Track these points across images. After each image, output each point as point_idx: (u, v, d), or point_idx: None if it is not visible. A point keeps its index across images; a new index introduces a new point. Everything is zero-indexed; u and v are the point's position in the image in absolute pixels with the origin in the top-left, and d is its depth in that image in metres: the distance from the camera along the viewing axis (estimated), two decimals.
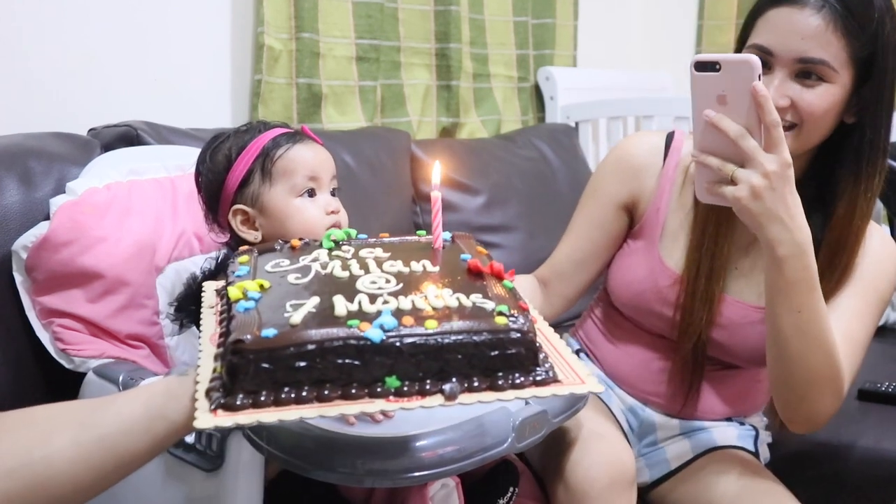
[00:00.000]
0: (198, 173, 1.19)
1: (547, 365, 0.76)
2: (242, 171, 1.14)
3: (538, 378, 0.75)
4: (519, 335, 0.74)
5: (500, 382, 0.74)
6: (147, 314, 1.27)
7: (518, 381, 0.74)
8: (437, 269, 0.87)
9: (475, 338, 0.73)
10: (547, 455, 1.23)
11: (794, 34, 1.12)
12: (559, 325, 1.60)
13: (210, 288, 0.98)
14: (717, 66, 1.01)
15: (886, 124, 1.18)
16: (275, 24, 1.89)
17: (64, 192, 1.29)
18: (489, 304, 0.77)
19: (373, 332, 0.71)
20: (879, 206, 2.17)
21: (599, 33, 3.02)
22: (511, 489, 1.11)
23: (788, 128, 1.15)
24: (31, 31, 1.54)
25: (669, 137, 1.37)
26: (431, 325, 0.73)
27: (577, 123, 2.68)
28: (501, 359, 0.74)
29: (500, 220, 2.14)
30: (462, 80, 2.37)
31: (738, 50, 1.21)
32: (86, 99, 1.63)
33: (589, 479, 1.14)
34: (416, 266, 0.87)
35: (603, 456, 1.17)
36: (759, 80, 0.99)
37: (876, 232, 1.26)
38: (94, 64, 1.64)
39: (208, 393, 0.71)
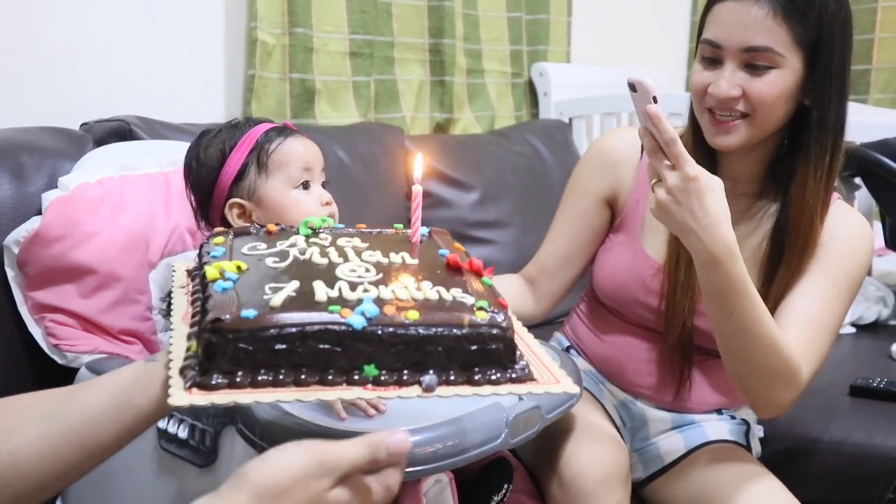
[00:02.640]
0: (188, 171, 1.18)
1: (523, 363, 0.76)
2: (237, 165, 1.14)
3: (514, 375, 0.75)
4: (499, 331, 0.74)
5: (476, 377, 0.74)
6: (140, 309, 1.27)
7: (495, 378, 0.74)
8: (416, 261, 0.86)
9: (456, 331, 0.73)
10: (540, 451, 1.23)
11: (738, 25, 1.16)
12: (548, 324, 1.60)
13: (181, 268, 0.96)
14: (635, 88, 1.04)
15: (837, 104, 1.20)
16: (268, 18, 1.89)
17: (56, 187, 1.28)
18: (469, 299, 0.77)
19: (355, 319, 0.71)
20: (872, 203, 2.18)
21: (593, 29, 3.02)
22: (505, 485, 1.12)
23: (741, 117, 1.19)
24: (23, 25, 1.54)
25: None
26: (413, 316, 0.72)
27: (570, 119, 2.68)
28: (480, 354, 0.74)
29: (494, 215, 2.14)
30: (456, 76, 2.37)
31: (696, 46, 1.25)
32: (78, 93, 1.63)
33: (582, 474, 1.14)
34: (395, 257, 0.86)
35: (596, 452, 1.17)
36: (656, 101, 1.01)
37: (848, 217, 1.27)
38: (86, 58, 1.63)
39: (183, 371, 0.70)
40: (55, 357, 1.21)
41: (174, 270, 0.97)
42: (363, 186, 1.87)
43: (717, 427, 1.38)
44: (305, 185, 1.16)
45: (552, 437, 1.20)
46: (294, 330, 0.70)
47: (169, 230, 1.31)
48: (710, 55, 1.21)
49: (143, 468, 1.08)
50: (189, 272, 0.93)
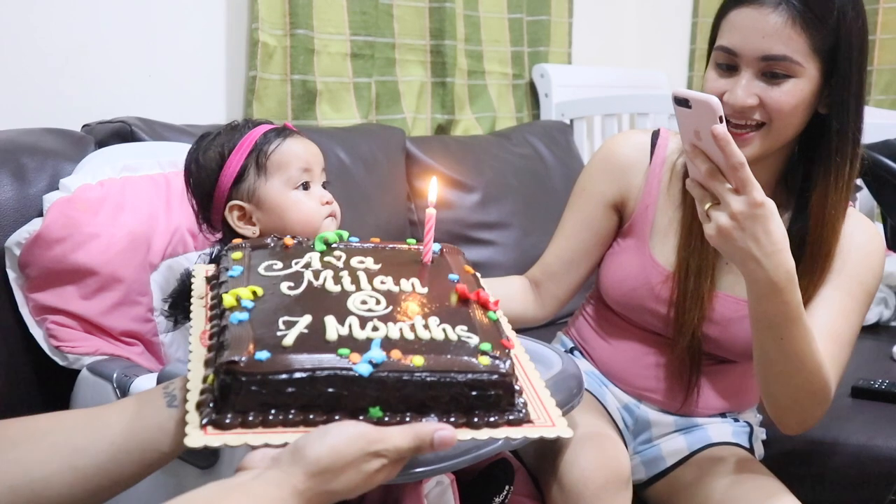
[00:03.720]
0: (188, 174, 1.18)
1: (521, 402, 0.80)
2: (236, 168, 1.14)
3: (511, 418, 0.78)
4: (498, 377, 0.77)
5: (476, 420, 0.77)
6: (141, 311, 1.27)
7: (493, 420, 0.78)
8: (425, 290, 0.88)
9: (459, 377, 0.76)
10: (542, 453, 1.23)
11: (756, 33, 1.14)
12: (552, 324, 1.60)
13: (200, 275, 0.97)
14: (689, 103, 1.01)
15: (855, 113, 1.19)
16: (269, 20, 1.89)
17: (57, 189, 1.28)
18: (473, 340, 0.80)
19: (362, 367, 0.74)
20: (873, 204, 2.18)
21: (594, 30, 3.02)
22: (506, 487, 1.11)
23: (758, 126, 1.17)
24: (25, 26, 1.54)
25: (655, 135, 1.38)
26: (418, 362, 0.76)
27: (571, 120, 2.68)
28: (480, 398, 0.77)
29: (495, 217, 2.13)
30: (457, 77, 2.37)
31: (710, 50, 1.22)
32: (79, 95, 1.63)
33: (584, 478, 1.14)
34: (406, 284, 0.89)
35: (598, 455, 1.16)
36: (721, 121, 0.98)
37: (861, 225, 1.26)
38: (87, 60, 1.64)
39: (199, 406, 0.74)
40: (56, 358, 1.21)
41: (194, 277, 0.98)
42: (364, 187, 1.87)
43: (721, 429, 1.38)
44: (305, 186, 1.16)
45: (554, 439, 1.20)
46: (304, 375, 0.73)
47: (170, 231, 1.31)
48: (725, 62, 1.19)
49: None
50: (208, 279, 0.94)
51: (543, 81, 2.70)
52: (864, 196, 2.20)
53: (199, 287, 0.95)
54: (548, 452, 1.20)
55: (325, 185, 1.20)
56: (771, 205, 1.01)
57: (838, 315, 1.19)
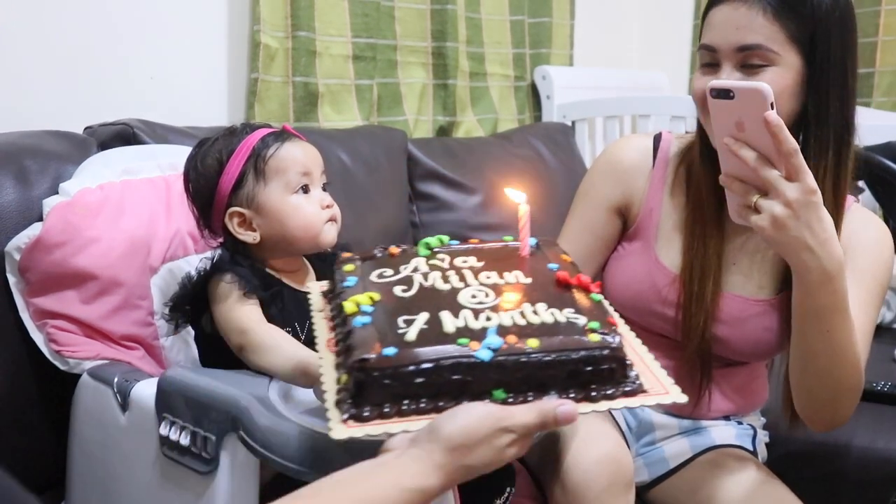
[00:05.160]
0: (187, 181, 1.18)
1: (634, 374, 0.85)
2: (235, 174, 1.14)
3: (627, 389, 0.83)
4: (610, 352, 0.82)
5: (593, 394, 0.82)
6: (142, 315, 1.26)
7: (609, 393, 0.82)
8: (529, 280, 0.94)
9: (573, 355, 0.81)
10: (544, 455, 1.23)
11: (730, 26, 1.16)
12: None
13: (315, 291, 1.05)
14: (731, 94, 1.00)
15: (838, 103, 1.18)
16: (271, 22, 1.89)
17: (57, 193, 1.28)
18: (581, 320, 0.86)
19: (483, 353, 0.80)
20: (875, 205, 2.18)
21: (596, 32, 3.02)
22: (508, 489, 1.11)
23: None
24: (27, 28, 1.54)
25: (657, 139, 1.38)
26: (533, 344, 0.81)
27: (573, 122, 2.68)
28: (595, 373, 0.82)
29: (497, 219, 2.13)
30: (459, 79, 2.37)
31: (697, 50, 1.24)
32: (81, 97, 1.63)
33: (586, 480, 1.13)
34: (510, 277, 0.95)
35: (601, 456, 1.16)
36: (772, 107, 0.98)
37: (869, 220, 1.27)
38: (89, 62, 1.63)
39: (338, 404, 0.80)
40: (57, 363, 1.21)
41: (310, 294, 1.05)
42: (366, 189, 1.87)
43: (724, 432, 1.38)
44: (305, 189, 1.16)
45: (556, 440, 1.20)
46: (430, 365, 0.79)
47: (170, 235, 1.31)
48: (708, 60, 1.21)
49: (145, 475, 1.08)
50: (324, 294, 1.02)
51: (545, 83, 2.70)
52: (865, 198, 2.20)
53: (316, 302, 1.02)
54: (550, 452, 1.20)
55: (325, 187, 1.19)
56: (819, 192, 1.01)
57: (858, 311, 1.18)
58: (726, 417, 1.40)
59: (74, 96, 1.62)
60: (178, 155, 1.37)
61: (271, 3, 1.88)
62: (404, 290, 0.92)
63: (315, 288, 1.06)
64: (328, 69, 2.02)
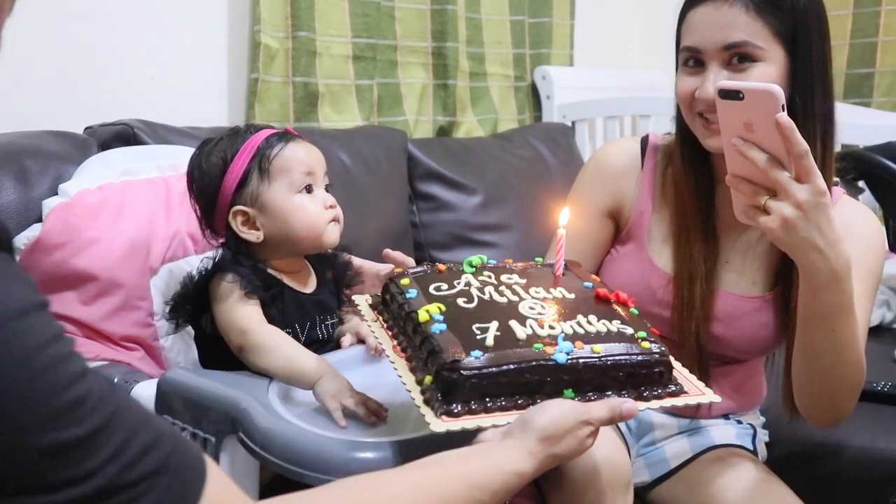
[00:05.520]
0: (190, 180, 1.18)
1: (675, 378, 0.95)
2: (239, 173, 1.14)
3: (672, 389, 0.94)
4: (660, 357, 0.93)
5: (645, 394, 0.93)
6: (141, 315, 1.26)
7: (657, 393, 0.93)
8: (572, 296, 1.03)
9: (632, 359, 0.92)
10: None
11: (714, 26, 1.18)
12: None
13: (363, 302, 1.11)
14: (741, 95, 1.00)
15: (821, 94, 1.20)
16: (271, 22, 1.89)
17: (57, 194, 1.28)
18: (628, 329, 0.96)
19: (559, 356, 0.89)
20: (875, 206, 2.18)
21: (596, 32, 3.02)
22: None
23: None
24: (27, 28, 1.54)
25: (644, 141, 1.39)
26: (598, 350, 0.91)
27: (573, 123, 2.68)
28: (648, 376, 0.93)
29: (496, 219, 2.13)
30: (459, 79, 2.37)
31: (677, 52, 1.25)
32: (82, 97, 1.63)
33: (585, 482, 1.13)
34: (556, 293, 1.04)
35: (599, 458, 1.16)
36: (784, 109, 0.97)
37: (859, 212, 1.27)
38: (90, 62, 1.64)
39: (428, 402, 0.88)
40: None
41: (359, 305, 1.11)
42: (366, 189, 1.87)
43: (724, 431, 1.38)
44: (309, 190, 1.16)
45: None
46: (513, 366, 0.88)
47: (170, 236, 1.31)
48: (692, 61, 1.21)
49: None
50: (372, 306, 1.09)
51: (545, 83, 2.70)
52: (866, 198, 2.20)
53: (367, 313, 1.09)
54: None
55: (327, 189, 1.19)
56: (828, 194, 1.01)
57: (856, 305, 1.18)
58: (726, 417, 1.41)
59: (75, 96, 1.62)
60: (178, 156, 1.37)
61: (271, 4, 1.88)
62: (466, 302, 1.00)
63: (362, 300, 1.12)
64: (328, 69, 2.02)
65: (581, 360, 0.90)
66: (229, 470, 0.98)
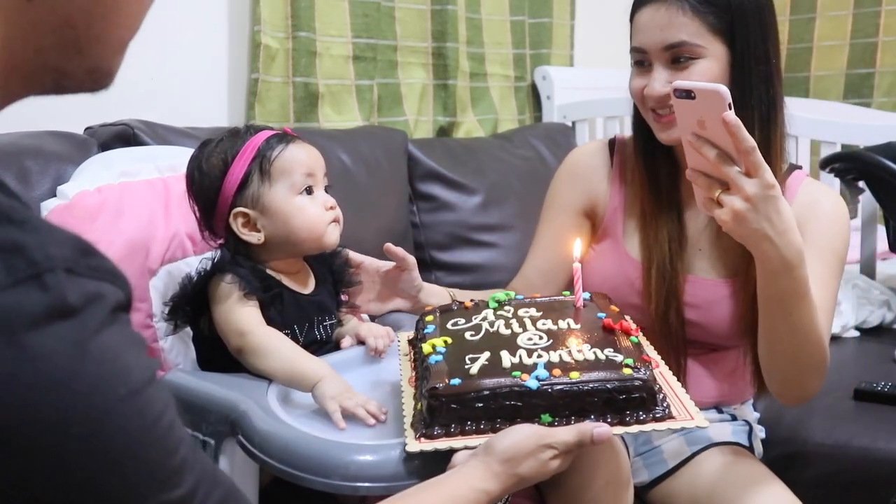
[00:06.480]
0: (190, 181, 1.18)
1: (665, 404, 0.96)
2: (240, 174, 1.14)
3: (657, 415, 0.95)
4: (640, 382, 0.94)
5: (627, 419, 0.94)
6: (140, 317, 1.26)
7: (641, 418, 0.94)
8: (578, 326, 1.07)
9: (608, 385, 0.94)
10: None
11: (654, 28, 1.24)
12: None
13: (404, 339, 1.20)
14: (693, 95, 1.04)
15: (763, 83, 1.24)
16: (271, 22, 1.89)
17: (55, 196, 1.28)
18: (619, 357, 0.98)
19: (531, 382, 0.93)
20: (875, 206, 2.18)
21: (596, 33, 3.02)
22: None
23: None
24: None
25: (612, 142, 1.45)
26: (574, 376, 0.94)
27: (573, 123, 2.68)
28: (628, 401, 0.94)
29: (497, 219, 2.13)
30: (459, 80, 2.37)
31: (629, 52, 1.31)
32: (82, 97, 1.60)
33: (584, 481, 1.14)
34: (563, 324, 1.07)
35: (598, 457, 1.16)
36: (730, 108, 1.01)
37: (823, 193, 1.31)
38: None
39: (413, 425, 0.95)
40: None
41: (398, 341, 1.21)
42: (366, 190, 1.87)
43: (720, 429, 1.39)
44: (309, 191, 1.16)
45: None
46: (487, 392, 0.93)
47: (169, 237, 1.30)
48: (639, 60, 1.27)
49: None
50: (410, 342, 1.17)
51: (545, 83, 2.70)
52: (866, 198, 2.20)
53: (404, 346, 1.17)
54: None
55: (327, 190, 1.20)
56: (778, 186, 1.04)
57: (820, 286, 1.21)
58: (719, 410, 1.42)
59: (75, 96, 1.60)
60: (177, 157, 1.37)
61: (272, 4, 1.88)
62: (472, 335, 1.06)
63: (403, 337, 1.20)
64: (328, 69, 2.02)
65: (556, 387, 0.93)
66: (228, 472, 0.98)
